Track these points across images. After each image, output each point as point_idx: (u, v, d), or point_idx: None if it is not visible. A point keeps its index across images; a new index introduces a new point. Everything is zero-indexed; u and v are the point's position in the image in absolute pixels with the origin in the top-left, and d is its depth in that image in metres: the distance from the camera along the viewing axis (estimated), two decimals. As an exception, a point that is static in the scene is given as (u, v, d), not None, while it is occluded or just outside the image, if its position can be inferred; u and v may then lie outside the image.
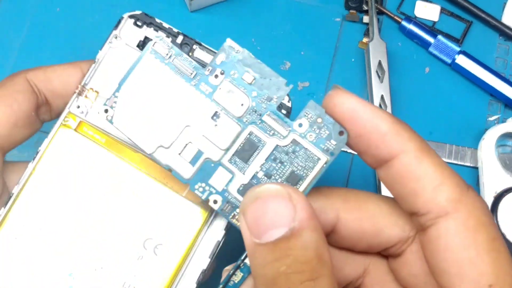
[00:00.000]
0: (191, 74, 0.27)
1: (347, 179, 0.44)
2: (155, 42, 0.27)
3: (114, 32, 0.30)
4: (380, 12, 0.48)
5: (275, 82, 0.27)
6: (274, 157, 0.26)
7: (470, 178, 0.45)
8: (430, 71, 0.47)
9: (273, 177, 0.26)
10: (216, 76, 0.26)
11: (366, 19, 0.48)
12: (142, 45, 0.30)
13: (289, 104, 0.30)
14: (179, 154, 0.27)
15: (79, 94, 0.30)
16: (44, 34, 0.47)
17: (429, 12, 0.49)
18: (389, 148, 0.24)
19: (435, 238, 0.24)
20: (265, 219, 0.22)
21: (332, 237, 0.27)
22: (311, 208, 0.23)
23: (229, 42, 0.27)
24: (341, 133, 0.25)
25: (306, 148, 0.26)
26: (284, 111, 0.30)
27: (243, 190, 0.27)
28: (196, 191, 0.27)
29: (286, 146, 0.26)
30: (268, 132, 0.26)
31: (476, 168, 0.44)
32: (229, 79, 0.27)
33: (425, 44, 0.47)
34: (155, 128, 0.27)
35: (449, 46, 0.46)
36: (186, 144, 0.27)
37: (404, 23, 0.47)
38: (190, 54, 0.32)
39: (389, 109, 0.44)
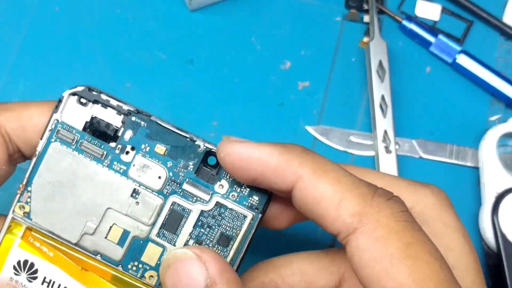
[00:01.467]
0: (102, 155, 0.26)
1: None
2: (57, 130, 0.26)
3: (55, 116, 0.27)
4: (380, 12, 0.48)
5: (188, 148, 0.26)
6: (201, 223, 0.26)
7: (471, 178, 0.44)
8: (431, 71, 0.47)
9: (204, 242, 0.26)
10: (127, 152, 0.26)
11: (366, 18, 0.48)
12: (89, 127, 0.27)
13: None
14: (105, 237, 0.26)
15: (21, 194, 0.27)
16: (43, 33, 0.47)
17: (430, 12, 0.48)
18: (285, 179, 0.24)
19: (351, 256, 0.23)
20: (180, 284, 0.23)
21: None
22: (222, 261, 0.23)
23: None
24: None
25: (231, 208, 0.26)
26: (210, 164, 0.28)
27: None
28: (130, 271, 0.27)
29: (211, 210, 0.26)
30: (190, 199, 0.26)
31: (477, 168, 0.44)
32: (141, 154, 0.26)
33: (426, 44, 0.47)
34: (76, 216, 0.26)
35: (450, 46, 0.46)
36: (111, 227, 0.26)
37: (404, 22, 0.47)
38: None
39: (389, 109, 0.44)
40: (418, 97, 0.46)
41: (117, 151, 0.26)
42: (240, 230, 0.26)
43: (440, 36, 0.47)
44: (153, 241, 0.27)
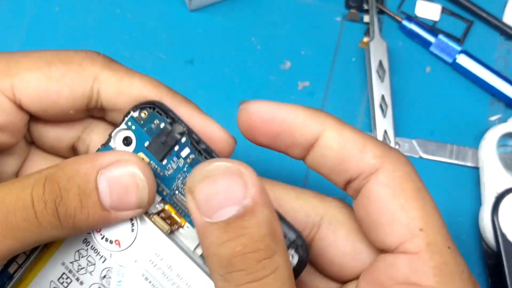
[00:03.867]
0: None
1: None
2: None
3: None
4: (380, 12, 0.48)
5: None
6: None
7: (471, 178, 0.44)
8: (431, 71, 0.47)
9: None
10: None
11: (366, 18, 0.48)
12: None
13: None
14: None
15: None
16: (43, 33, 0.47)
17: (430, 12, 0.48)
18: (311, 130, 0.26)
19: (368, 193, 0.25)
20: (216, 197, 0.22)
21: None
22: (261, 182, 0.23)
23: None
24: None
25: None
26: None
27: None
28: None
29: None
30: None
31: (477, 168, 0.44)
32: None
33: (426, 44, 0.47)
34: None
35: (450, 46, 0.46)
36: None
37: (405, 22, 0.47)
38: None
39: (389, 109, 0.44)
40: (418, 97, 0.46)
41: None
42: None
43: (440, 36, 0.47)
44: None
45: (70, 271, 0.25)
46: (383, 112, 0.44)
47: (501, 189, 0.42)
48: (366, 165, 0.25)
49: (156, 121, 0.25)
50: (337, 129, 0.26)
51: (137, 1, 0.48)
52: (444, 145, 0.45)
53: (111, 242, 0.25)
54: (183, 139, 0.25)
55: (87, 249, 0.25)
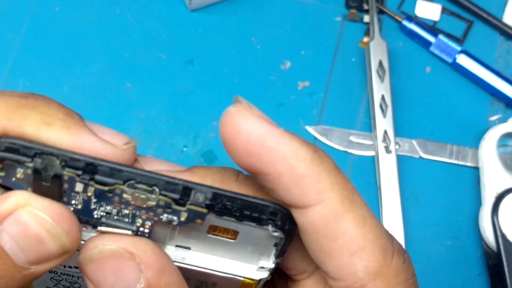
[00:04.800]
0: None
1: (348, 179, 0.44)
2: None
3: None
4: (380, 12, 0.48)
5: None
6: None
7: (471, 178, 0.44)
8: (431, 71, 0.47)
9: None
10: None
11: (366, 18, 0.48)
12: None
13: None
14: None
15: None
16: (43, 33, 0.47)
17: (430, 12, 0.48)
18: (305, 195, 0.19)
19: None
20: (106, 282, 0.19)
21: None
22: (161, 259, 0.19)
23: None
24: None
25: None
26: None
27: None
28: None
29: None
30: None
31: (477, 168, 0.44)
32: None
33: (426, 44, 0.47)
34: None
35: (450, 46, 0.46)
36: None
37: (405, 22, 0.47)
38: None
39: (389, 109, 0.44)
40: (418, 97, 0.46)
41: None
42: None
43: (440, 36, 0.47)
44: None
45: None
46: (383, 112, 0.44)
47: (501, 189, 0.42)
48: (351, 275, 0.19)
49: (19, 171, 0.18)
50: (336, 210, 0.19)
51: (137, 1, 0.48)
52: (444, 145, 0.45)
53: (76, 267, 0.22)
54: (65, 175, 0.18)
55: (59, 275, 0.22)
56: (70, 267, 0.22)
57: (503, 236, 0.40)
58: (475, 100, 0.47)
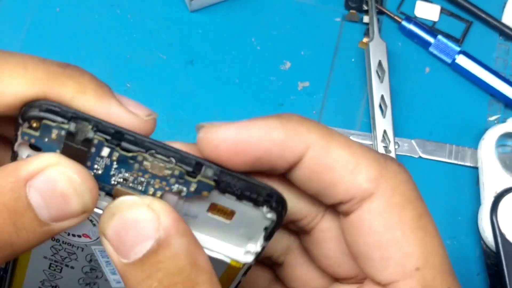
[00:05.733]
0: None
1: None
2: None
3: None
4: (380, 12, 0.48)
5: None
6: None
7: (470, 178, 0.45)
8: (430, 71, 0.47)
9: None
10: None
11: (366, 19, 0.48)
12: None
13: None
14: None
15: None
16: (44, 34, 0.47)
17: (429, 12, 0.49)
18: (293, 150, 0.21)
19: (358, 222, 0.22)
20: (128, 235, 0.20)
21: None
22: (175, 212, 0.21)
23: None
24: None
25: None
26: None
27: None
28: None
29: None
30: None
31: (476, 168, 0.44)
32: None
33: (425, 44, 0.47)
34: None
35: (449, 46, 0.46)
36: None
37: (404, 23, 0.47)
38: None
39: (389, 109, 0.44)
40: (418, 97, 0.46)
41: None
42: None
43: (439, 37, 0.47)
44: None
45: (56, 261, 0.24)
46: (383, 112, 0.44)
47: (500, 189, 0.42)
48: (358, 189, 0.22)
49: (54, 131, 0.20)
50: (322, 146, 0.21)
51: (137, 2, 0.48)
52: (443, 145, 0.45)
53: (79, 236, 0.23)
54: (95, 139, 0.20)
55: (60, 243, 0.23)
56: (73, 235, 0.23)
57: (502, 235, 0.40)
58: (474, 100, 0.47)
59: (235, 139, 0.21)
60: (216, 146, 0.21)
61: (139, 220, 0.20)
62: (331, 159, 0.21)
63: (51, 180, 0.20)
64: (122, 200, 0.20)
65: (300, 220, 0.24)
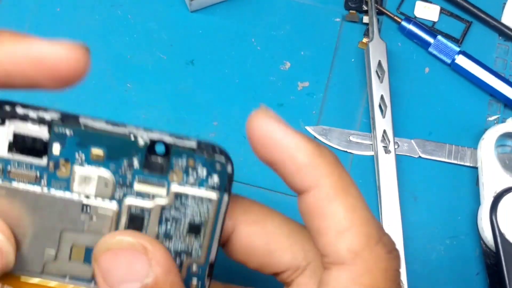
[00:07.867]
0: (36, 178, 0.23)
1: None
2: None
3: None
4: (380, 12, 0.48)
5: (127, 145, 0.23)
6: (165, 219, 0.24)
7: (470, 178, 0.45)
8: (429, 71, 0.47)
9: (174, 237, 0.24)
10: (63, 166, 0.23)
11: (366, 19, 0.48)
12: (13, 147, 0.23)
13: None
14: (69, 260, 0.24)
15: None
16: (44, 34, 0.47)
17: (429, 12, 0.49)
18: (304, 181, 0.22)
19: (325, 283, 0.22)
20: (117, 271, 0.21)
21: (226, 248, 0.25)
22: (170, 260, 0.22)
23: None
24: (220, 165, 0.23)
25: (192, 195, 0.24)
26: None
27: None
28: None
29: (171, 202, 0.24)
30: (147, 198, 0.24)
31: (475, 168, 0.44)
32: (78, 164, 0.23)
33: (425, 44, 0.47)
34: (31, 247, 0.24)
35: (449, 46, 0.47)
36: (71, 248, 0.24)
37: (404, 23, 0.47)
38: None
39: (388, 109, 0.44)
40: (417, 98, 0.47)
41: (51, 169, 0.23)
42: (208, 214, 0.24)
43: (439, 37, 0.47)
44: None
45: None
46: (382, 112, 0.45)
47: (499, 189, 0.42)
48: (334, 252, 0.22)
49: None
50: (328, 194, 0.22)
51: (138, 2, 0.48)
52: (443, 145, 0.45)
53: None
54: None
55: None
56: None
57: (502, 235, 0.40)
58: (474, 100, 0.47)
59: (269, 133, 0.22)
60: (254, 127, 0.22)
61: (132, 262, 0.21)
62: (328, 210, 0.22)
63: None
64: (119, 239, 0.22)
65: (285, 272, 0.25)
